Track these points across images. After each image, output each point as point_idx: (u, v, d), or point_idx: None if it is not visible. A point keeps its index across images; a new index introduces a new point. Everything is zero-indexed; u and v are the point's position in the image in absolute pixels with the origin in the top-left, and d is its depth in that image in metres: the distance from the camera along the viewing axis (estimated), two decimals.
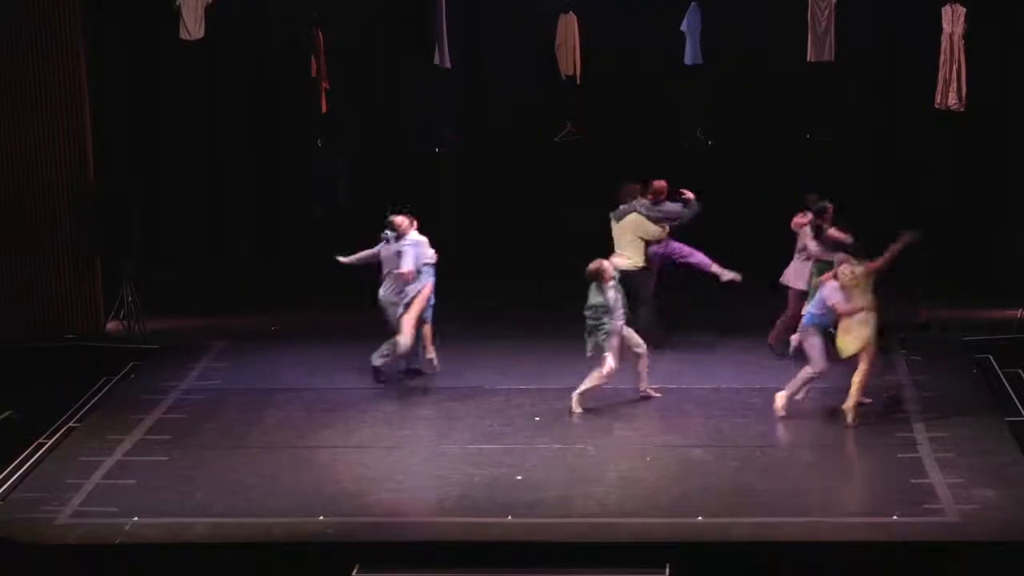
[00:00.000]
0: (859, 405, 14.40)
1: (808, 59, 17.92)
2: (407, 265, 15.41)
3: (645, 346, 15.01)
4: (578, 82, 18.68)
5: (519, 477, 13.19)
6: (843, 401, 14.62)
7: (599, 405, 15.10)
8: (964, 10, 17.28)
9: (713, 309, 17.86)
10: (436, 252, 15.75)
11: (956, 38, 17.39)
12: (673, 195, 16.69)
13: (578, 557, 11.68)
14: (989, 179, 19.15)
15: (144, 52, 19.24)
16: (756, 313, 17.55)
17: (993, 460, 13.28)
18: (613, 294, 14.62)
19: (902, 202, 19.40)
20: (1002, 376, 15.92)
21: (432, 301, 15.73)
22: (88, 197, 18.07)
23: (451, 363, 16.44)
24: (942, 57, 17.41)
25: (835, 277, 14.49)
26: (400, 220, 15.65)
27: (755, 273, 17.45)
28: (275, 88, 19.90)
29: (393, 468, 13.43)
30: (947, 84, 17.47)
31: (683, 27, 18.71)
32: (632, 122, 19.64)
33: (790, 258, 16.74)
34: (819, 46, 17.86)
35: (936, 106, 17.57)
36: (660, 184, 16.47)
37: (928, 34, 17.83)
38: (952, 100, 17.44)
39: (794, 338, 14.69)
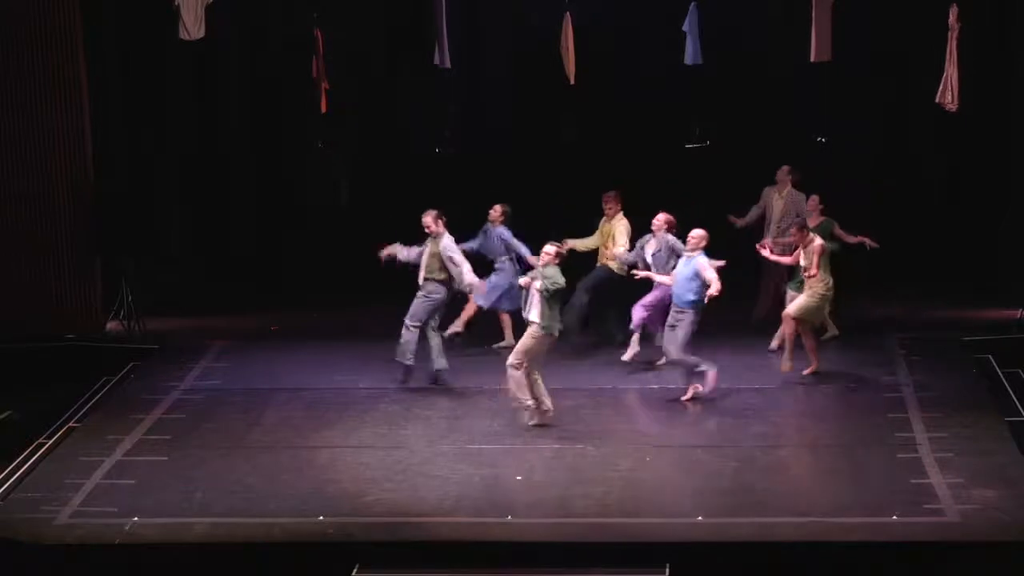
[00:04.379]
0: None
1: (811, 59, 17.91)
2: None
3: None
4: (572, 82, 18.66)
5: (519, 477, 13.20)
6: (842, 399, 14.98)
7: (599, 405, 15.11)
8: (958, 9, 17.29)
9: (712, 309, 17.86)
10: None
11: (953, 37, 17.39)
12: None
13: (578, 557, 11.67)
14: (989, 179, 19.15)
15: (144, 52, 19.23)
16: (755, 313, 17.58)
17: (993, 460, 13.28)
18: None
19: (902, 201, 19.42)
20: (1002, 376, 15.92)
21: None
22: (88, 197, 18.08)
23: (451, 363, 16.45)
24: (947, 56, 17.42)
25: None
26: None
27: (754, 272, 17.49)
28: (275, 88, 19.89)
29: (393, 468, 13.43)
30: (947, 83, 17.48)
31: (683, 27, 18.70)
32: (632, 122, 19.64)
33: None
34: (821, 46, 17.85)
35: (936, 102, 17.57)
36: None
37: (929, 34, 17.82)
38: (947, 99, 17.46)
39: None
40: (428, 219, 15.77)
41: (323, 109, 18.81)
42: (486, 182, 19.55)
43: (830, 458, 13.59)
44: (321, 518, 12.27)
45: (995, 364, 16.26)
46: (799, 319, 15.53)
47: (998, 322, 17.72)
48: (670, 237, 15.82)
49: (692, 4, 18.62)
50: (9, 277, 18.07)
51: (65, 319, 18.11)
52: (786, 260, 16.04)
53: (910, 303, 18.59)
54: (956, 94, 17.36)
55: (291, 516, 12.34)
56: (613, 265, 16.67)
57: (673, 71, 19.01)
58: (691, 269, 14.90)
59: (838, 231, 16.67)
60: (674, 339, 15.00)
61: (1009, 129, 18.84)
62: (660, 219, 15.90)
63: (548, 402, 14.40)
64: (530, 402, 14.29)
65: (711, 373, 14.99)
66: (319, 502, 12.63)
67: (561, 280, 14.16)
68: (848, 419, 14.61)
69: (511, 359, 14.29)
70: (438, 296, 15.70)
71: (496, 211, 16.90)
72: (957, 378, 15.74)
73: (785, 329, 15.76)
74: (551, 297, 14.10)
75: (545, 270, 14.20)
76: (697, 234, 15.08)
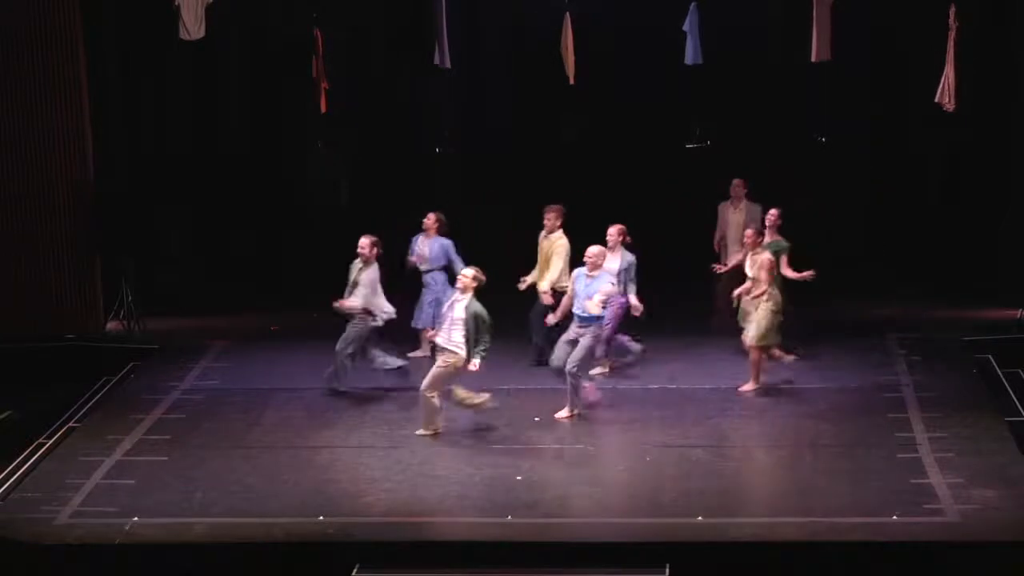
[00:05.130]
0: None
1: (812, 59, 17.91)
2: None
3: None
4: (572, 82, 18.65)
5: (519, 477, 13.20)
6: (842, 399, 14.96)
7: (598, 405, 15.11)
8: (955, 9, 17.29)
9: (711, 309, 17.85)
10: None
11: (951, 37, 17.40)
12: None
13: (578, 557, 11.68)
14: (989, 179, 19.15)
15: (144, 52, 19.23)
16: None
17: (993, 460, 13.28)
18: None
19: (902, 202, 19.42)
20: (1002, 376, 15.93)
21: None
22: (88, 197, 18.09)
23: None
24: (947, 55, 17.43)
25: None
26: None
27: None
28: (275, 88, 19.89)
29: (393, 468, 13.44)
30: (945, 83, 17.48)
31: (683, 27, 18.70)
32: (632, 122, 19.63)
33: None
34: (821, 46, 17.86)
35: (936, 102, 17.58)
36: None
37: (929, 34, 17.82)
38: (945, 99, 17.46)
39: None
40: (365, 242, 15.45)
41: (323, 109, 18.81)
42: (486, 182, 19.56)
43: (830, 458, 13.58)
44: (321, 518, 12.27)
45: (995, 364, 16.27)
46: (760, 346, 15.27)
47: (998, 322, 17.72)
48: (628, 255, 15.68)
49: (692, 4, 18.62)
50: (9, 277, 18.08)
51: (65, 319, 18.12)
52: (735, 261, 15.73)
53: (910, 303, 18.59)
54: (952, 94, 17.36)
55: (291, 516, 12.35)
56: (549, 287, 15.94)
57: (673, 71, 19.01)
58: (593, 289, 14.52)
59: (783, 264, 15.82)
60: (575, 357, 14.54)
61: (1009, 129, 18.84)
62: (613, 232, 15.64)
63: (484, 397, 14.31)
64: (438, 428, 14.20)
65: (591, 387, 14.89)
66: (319, 502, 12.64)
67: (486, 341, 13.89)
68: (848, 419, 14.59)
69: (427, 388, 14.12)
70: (365, 325, 15.48)
71: (430, 219, 16.53)
72: (957, 378, 15.74)
73: (751, 356, 15.45)
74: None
75: (476, 317, 13.91)
76: (594, 251, 14.75)
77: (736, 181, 17.54)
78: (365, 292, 15.43)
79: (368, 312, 15.43)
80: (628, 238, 15.83)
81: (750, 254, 15.52)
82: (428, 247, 16.54)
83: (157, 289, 18.99)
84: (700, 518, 12.17)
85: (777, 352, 15.46)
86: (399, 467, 13.46)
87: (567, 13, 18.48)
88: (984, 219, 19.10)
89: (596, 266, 14.67)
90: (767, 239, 16.01)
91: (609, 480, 13.15)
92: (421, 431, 14.22)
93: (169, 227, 19.86)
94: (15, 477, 13.55)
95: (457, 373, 14.13)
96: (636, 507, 12.57)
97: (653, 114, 19.58)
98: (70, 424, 15.04)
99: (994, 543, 11.65)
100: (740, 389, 15.35)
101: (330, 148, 20.05)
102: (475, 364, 13.99)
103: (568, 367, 14.55)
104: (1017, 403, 15.08)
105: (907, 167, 19.51)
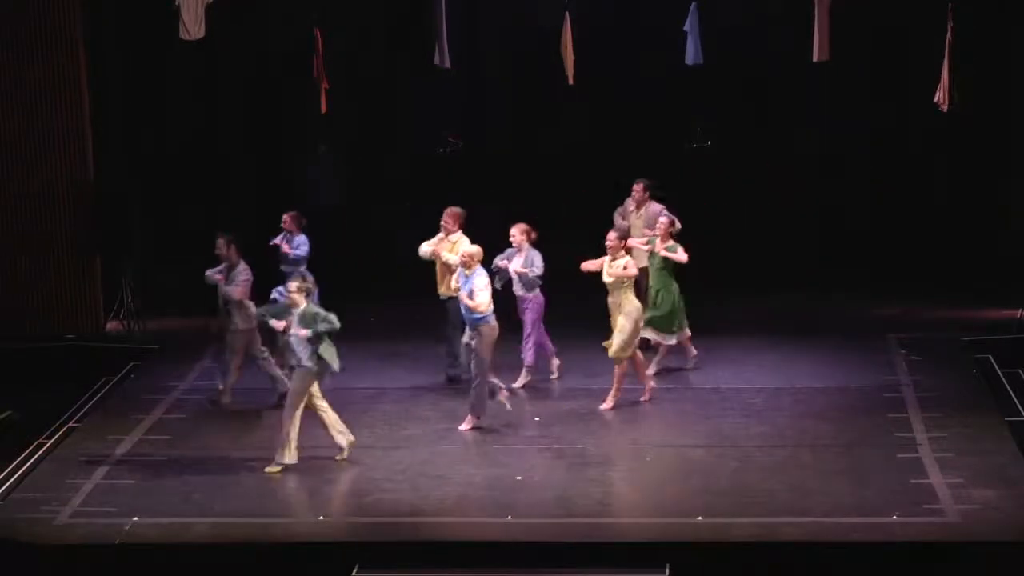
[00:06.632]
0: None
1: (813, 59, 17.90)
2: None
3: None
4: (571, 82, 18.63)
5: (519, 477, 13.20)
6: (842, 399, 14.95)
7: (598, 405, 15.10)
8: (951, 8, 17.27)
9: (710, 309, 17.85)
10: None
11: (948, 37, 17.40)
12: None
13: (578, 557, 11.69)
14: (989, 179, 19.15)
15: (144, 52, 19.23)
16: (755, 313, 17.61)
17: (993, 460, 13.29)
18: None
19: (902, 202, 19.42)
20: (1002, 376, 15.93)
21: None
22: (88, 197, 18.09)
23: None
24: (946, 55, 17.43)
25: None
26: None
27: (754, 271, 17.48)
28: (275, 88, 19.88)
29: (393, 468, 13.44)
30: (941, 83, 17.47)
31: (684, 27, 18.68)
32: (632, 122, 19.62)
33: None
34: (821, 46, 17.85)
35: (934, 102, 17.57)
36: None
37: (928, 34, 17.81)
38: (940, 99, 17.45)
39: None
40: (220, 243, 14.98)
41: (323, 109, 18.80)
42: (486, 182, 19.55)
43: (830, 458, 13.59)
44: (321, 518, 12.27)
45: (995, 364, 16.27)
46: (624, 358, 14.84)
47: (998, 322, 17.73)
48: (534, 252, 15.43)
49: (692, 4, 18.60)
50: (9, 277, 18.08)
51: (65, 319, 18.12)
52: (590, 265, 14.94)
53: (910, 303, 18.59)
54: (946, 94, 17.33)
55: (291, 516, 12.35)
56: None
57: (673, 71, 18.99)
58: (468, 288, 14.33)
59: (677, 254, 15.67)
60: (480, 363, 14.29)
61: (1009, 129, 18.84)
62: (515, 232, 15.36)
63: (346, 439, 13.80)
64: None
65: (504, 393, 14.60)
66: (319, 502, 12.64)
67: (332, 321, 13.52)
68: (848, 419, 14.60)
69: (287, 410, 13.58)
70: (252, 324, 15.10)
71: (286, 219, 16.30)
72: (957, 378, 15.75)
73: (616, 370, 14.96)
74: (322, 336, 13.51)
75: (311, 314, 13.51)
76: (468, 251, 14.53)
77: (636, 185, 16.99)
78: (241, 289, 14.93)
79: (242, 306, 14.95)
80: (534, 235, 15.56)
81: (608, 260, 14.81)
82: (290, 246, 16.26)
83: (157, 289, 18.97)
84: (700, 518, 12.18)
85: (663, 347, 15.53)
86: (399, 467, 13.46)
87: (567, 13, 18.45)
88: (984, 219, 19.10)
89: (468, 265, 14.40)
90: (661, 244, 15.65)
91: (609, 480, 13.15)
92: (283, 460, 13.45)
93: (169, 227, 19.84)
94: (15, 477, 13.55)
95: (310, 386, 13.64)
96: (636, 507, 12.58)
97: (653, 114, 19.57)
98: (70, 424, 15.04)
99: (994, 543, 11.66)
100: (601, 407, 14.92)
101: (330, 148, 20.04)
102: (303, 332, 13.46)
103: (481, 379, 14.33)
104: (1017, 403, 15.09)
105: (907, 167, 19.51)
